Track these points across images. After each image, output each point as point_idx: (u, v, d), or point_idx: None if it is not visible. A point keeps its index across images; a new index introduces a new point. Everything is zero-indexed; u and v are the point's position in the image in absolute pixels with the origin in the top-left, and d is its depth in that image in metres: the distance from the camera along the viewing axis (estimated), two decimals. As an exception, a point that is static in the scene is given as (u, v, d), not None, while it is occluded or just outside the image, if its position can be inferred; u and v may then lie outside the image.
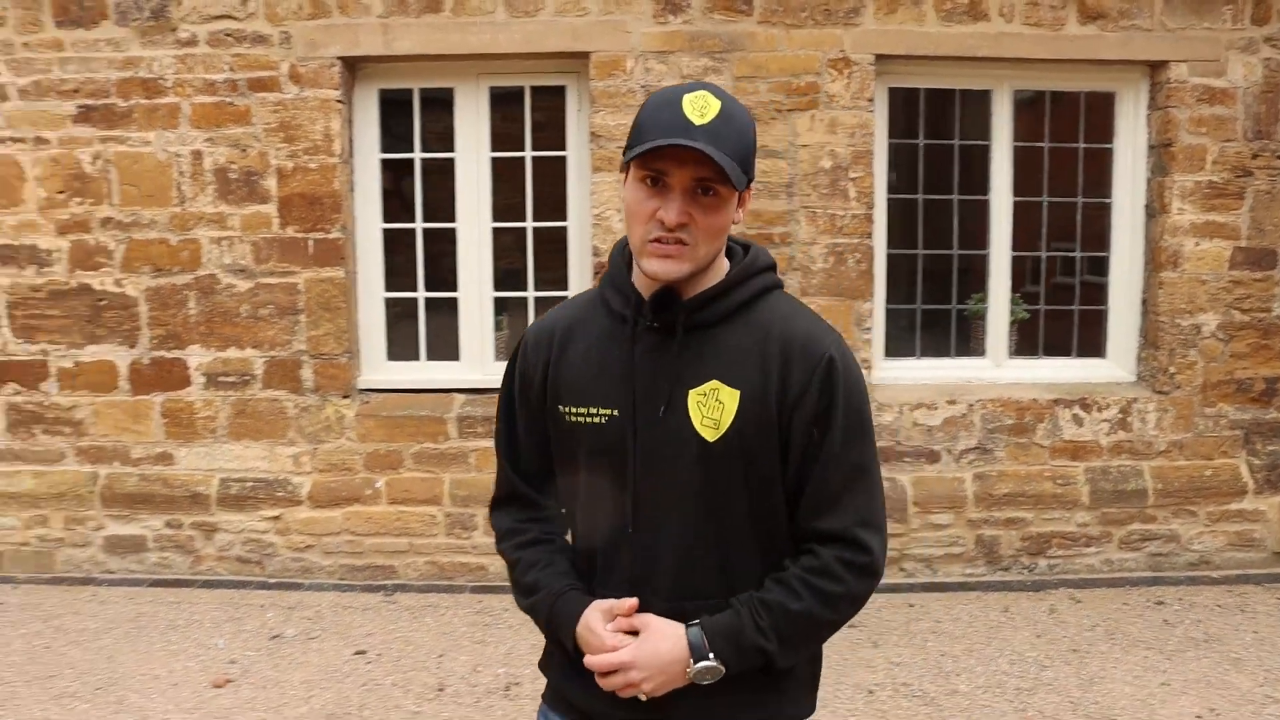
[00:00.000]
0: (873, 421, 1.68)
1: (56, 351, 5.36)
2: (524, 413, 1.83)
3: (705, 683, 1.59)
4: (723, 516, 1.65)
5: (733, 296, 1.66)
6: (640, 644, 1.60)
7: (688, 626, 1.60)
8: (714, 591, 1.65)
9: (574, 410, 1.71)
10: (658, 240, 1.58)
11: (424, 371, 5.48)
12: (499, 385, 1.87)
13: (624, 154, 1.61)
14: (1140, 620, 4.85)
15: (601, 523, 1.72)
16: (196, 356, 5.30)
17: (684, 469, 1.63)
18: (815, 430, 1.61)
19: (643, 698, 1.61)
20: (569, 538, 1.85)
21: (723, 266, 1.70)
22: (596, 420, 1.69)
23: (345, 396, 5.29)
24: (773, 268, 1.75)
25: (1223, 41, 5.22)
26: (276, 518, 5.33)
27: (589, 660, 1.62)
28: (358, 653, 4.53)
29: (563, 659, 1.76)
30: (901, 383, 5.43)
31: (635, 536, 1.67)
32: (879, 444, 4.82)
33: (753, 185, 1.63)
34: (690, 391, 1.63)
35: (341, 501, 5.30)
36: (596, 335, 1.74)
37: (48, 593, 5.25)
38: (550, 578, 1.76)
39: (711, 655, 1.57)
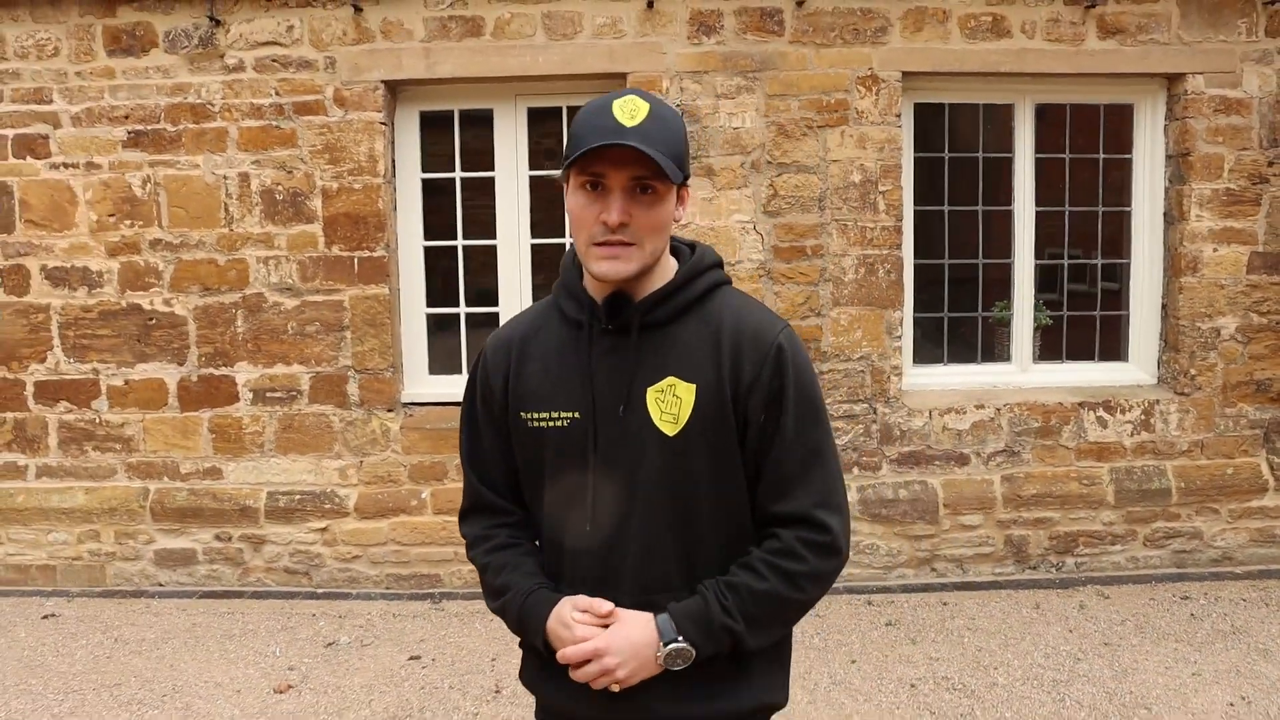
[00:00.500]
0: (825, 406, 1.76)
1: (107, 370, 5.56)
2: (487, 423, 1.88)
3: (677, 667, 1.65)
4: (685, 509, 1.71)
5: (683, 294, 1.74)
6: (611, 631, 1.65)
7: (655, 613, 1.67)
8: (679, 584, 1.71)
9: (536, 416, 1.77)
10: (603, 243, 1.65)
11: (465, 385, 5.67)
12: None
13: (563, 165, 1.69)
14: (1168, 615, 5.05)
15: (566, 523, 1.77)
16: (244, 373, 5.50)
17: (646, 465, 1.70)
18: (767, 416, 1.69)
19: (615, 688, 1.66)
20: (537, 541, 1.90)
21: (670, 266, 1.78)
22: (559, 424, 1.75)
23: (389, 410, 5.49)
24: (719, 265, 1.82)
25: (1238, 53, 5.44)
26: (324, 529, 5.52)
27: (563, 653, 1.67)
28: (412, 658, 4.72)
29: (541, 668, 1.81)
30: (930, 388, 5.64)
31: (595, 534, 1.73)
32: (909, 449, 5.08)
33: (689, 184, 1.73)
34: (648, 389, 1.70)
35: (387, 512, 5.50)
36: (554, 342, 1.80)
37: (101, 605, 5.44)
38: (520, 578, 1.81)
39: (680, 638, 1.64)
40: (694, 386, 1.68)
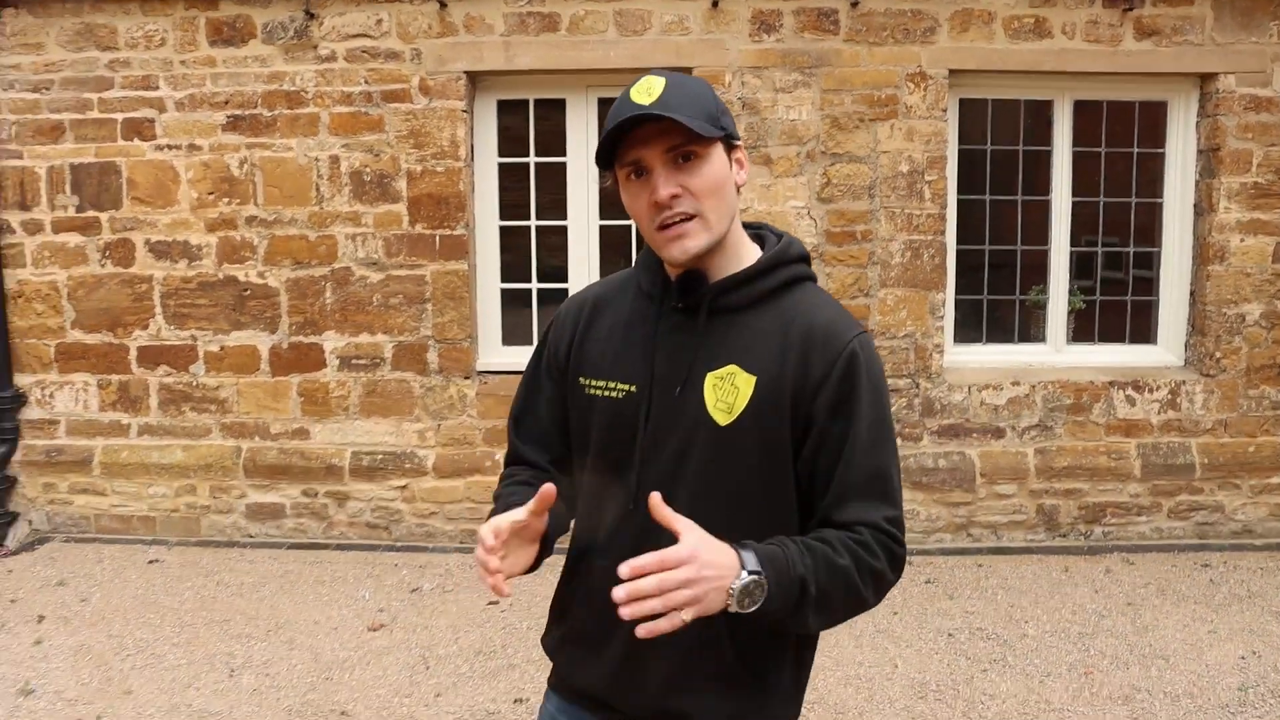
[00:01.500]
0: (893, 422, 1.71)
1: (204, 337, 6.11)
2: (548, 383, 1.87)
3: (742, 608, 1.46)
4: (730, 501, 1.65)
5: (760, 284, 1.70)
6: (700, 538, 1.46)
7: (731, 543, 1.50)
8: None
9: (593, 383, 1.76)
10: (663, 225, 1.62)
11: (534, 355, 6.21)
12: None
13: (603, 167, 1.68)
14: (1188, 580, 5.52)
15: (607, 498, 1.74)
16: (331, 341, 6.04)
17: (694, 451, 1.66)
18: (833, 421, 1.62)
19: (686, 616, 1.41)
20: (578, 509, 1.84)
21: (751, 252, 1.74)
22: (613, 395, 1.73)
23: (466, 377, 6.02)
24: (805, 259, 1.77)
25: (1268, 54, 5.85)
26: (403, 487, 6.07)
27: (639, 561, 1.40)
28: (491, 603, 5.25)
29: (570, 632, 1.80)
30: (970, 366, 6.11)
31: (637, 513, 1.64)
32: (948, 422, 5.56)
33: (742, 144, 1.69)
34: (708, 373, 1.66)
35: (463, 472, 6.03)
36: (625, 312, 1.78)
37: (199, 553, 6.01)
38: (515, 499, 1.71)
39: (761, 572, 1.47)
40: (754, 379, 1.64)
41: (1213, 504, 6.06)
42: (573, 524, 1.86)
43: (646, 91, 1.59)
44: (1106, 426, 6.02)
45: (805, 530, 1.66)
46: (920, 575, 5.56)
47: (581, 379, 1.78)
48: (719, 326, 1.68)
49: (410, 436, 6.05)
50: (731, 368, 1.65)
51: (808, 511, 1.68)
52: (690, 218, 1.61)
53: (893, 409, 5.54)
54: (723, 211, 1.64)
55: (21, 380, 6.21)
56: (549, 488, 1.55)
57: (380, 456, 6.07)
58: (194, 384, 6.14)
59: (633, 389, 1.71)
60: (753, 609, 1.47)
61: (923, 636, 4.80)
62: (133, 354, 6.15)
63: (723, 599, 1.45)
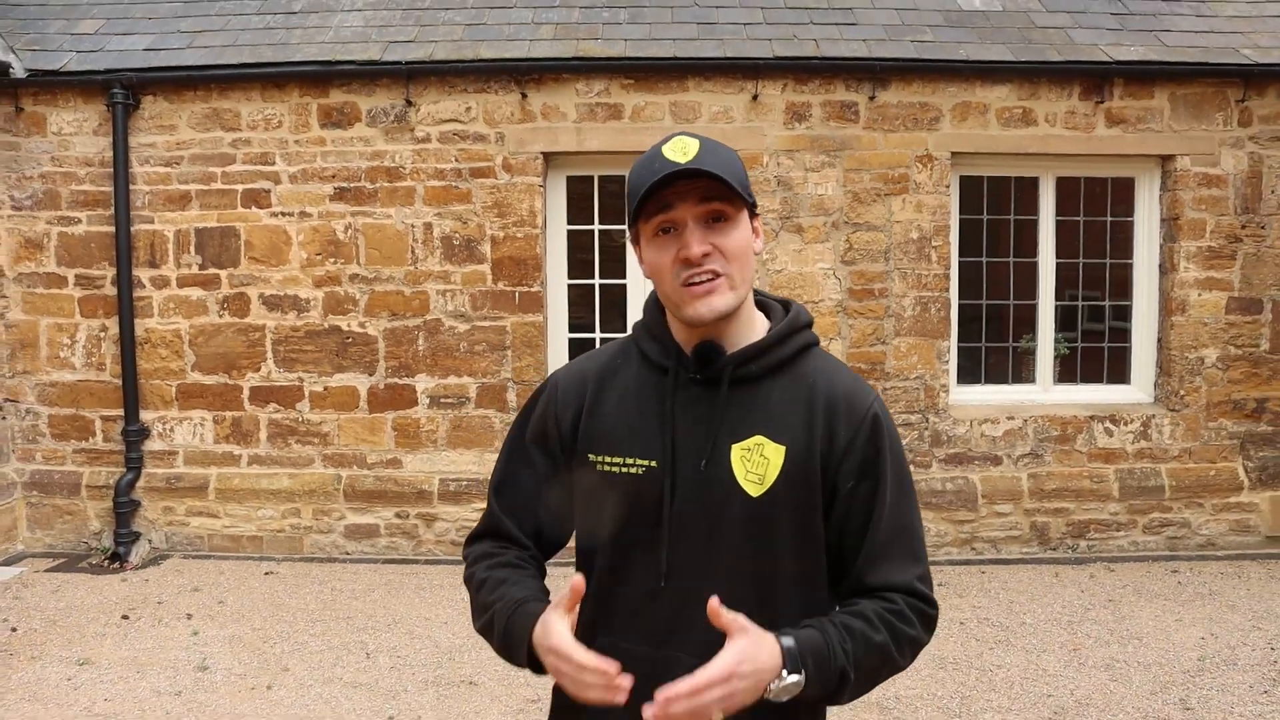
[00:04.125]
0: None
1: (310, 378, 7.25)
2: (539, 456, 1.84)
3: (777, 700, 1.54)
4: (764, 573, 1.69)
5: (777, 352, 1.74)
6: (740, 648, 1.50)
7: (777, 636, 1.56)
8: None
9: (608, 460, 1.74)
10: (691, 283, 1.64)
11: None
12: None
13: (628, 219, 1.71)
14: (1160, 583, 6.71)
15: (630, 575, 1.73)
16: (423, 383, 7.19)
17: (726, 523, 1.68)
18: (860, 484, 1.70)
19: (717, 717, 1.48)
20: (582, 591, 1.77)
21: (758, 319, 1.79)
22: (633, 471, 1.72)
23: (539, 413, 7.17)
24: (810, 325, 1.82)
25: (1216, 139, 7.17)
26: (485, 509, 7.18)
27: (697, 680, 1.47)
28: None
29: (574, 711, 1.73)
30: (971, 403, 7.34)
31: (669, 590, 1.69)
32: (954, 451, 6.83)
33: (760, 215, 1.78)
34: (733, 445, 1.69)
35: (536, 495, 7.17)
36: (633, 386, 1.78)
37: (306, 567, 7.10)
38: (516, 590, 1.74)
39: (802, 670, 1.53)
40: (783, 448, 1.68)
41: (1180, 520, 7.27)
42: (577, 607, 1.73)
43: (682, 151, 1.63)
44: (1089, 454, 7.24)
45: (835, 589, 1.75)
46: (933, 580, 6.72)
47: (592, 455, 1.76)
48: (739, 397, 1.71)
49: (491, 465, 7.19)
50: (758, 438, 1.69)
51: (836, 573, 1.76)
52: (718, 276, 1.64)
53: (905, 441, 6.75)
54: (746, 275, 1.69)
55: (146, 416, 7.32)
56: (579, 581, 1.59)
57: (465, 482, 7.20)
58: (300, 420, 7.27)
59: (653, 464, 1.71)
60: (787, 699, 1.55)
61: (940, 624, 5.94)
62: (245, 393, 7.28)
63: (757, 695, 1.52)
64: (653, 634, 1.70)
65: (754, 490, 1.67)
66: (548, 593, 1.79)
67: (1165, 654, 5.49)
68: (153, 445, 7.34)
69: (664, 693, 1.47)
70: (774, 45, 6.99)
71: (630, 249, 1.74)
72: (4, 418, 7.36)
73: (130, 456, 7.27)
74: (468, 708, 4.90)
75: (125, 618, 6.09)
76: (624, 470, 1.73)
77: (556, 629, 1.57)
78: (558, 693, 1.83)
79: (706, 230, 1.64)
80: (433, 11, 7.40)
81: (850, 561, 1.73)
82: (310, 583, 6.78)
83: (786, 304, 1.86)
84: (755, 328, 1.77)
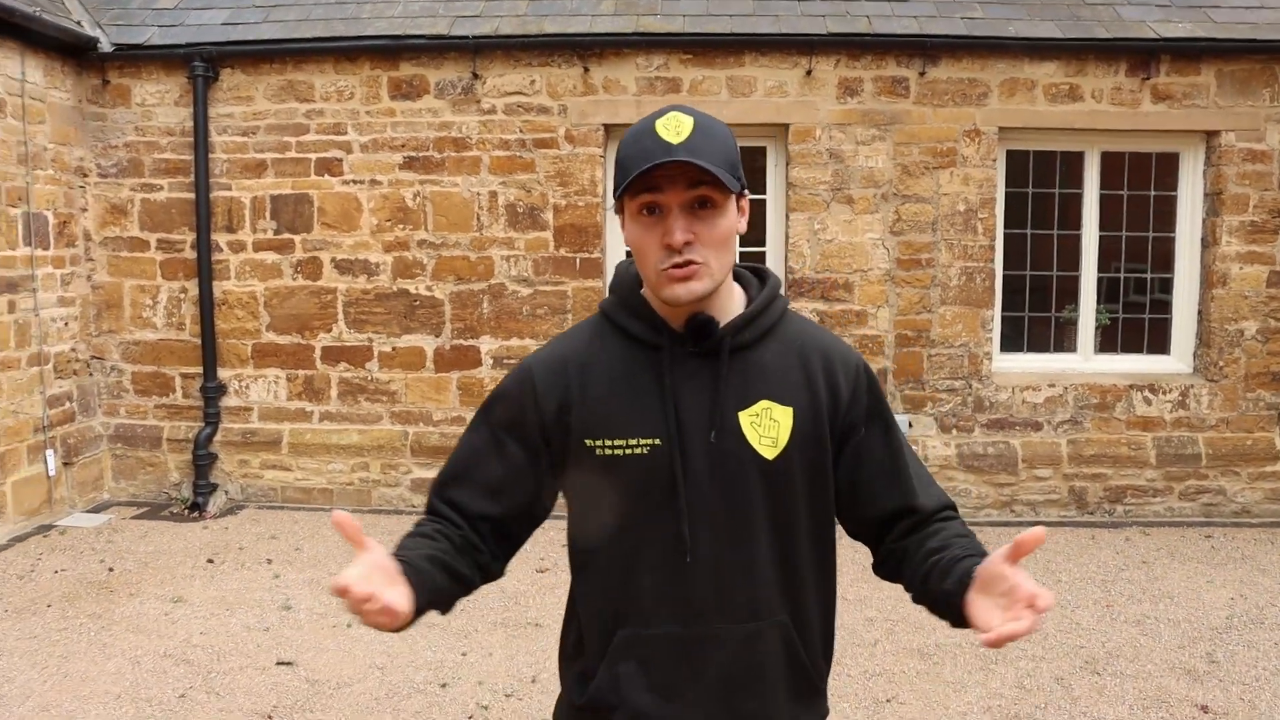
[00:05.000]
0: None
1: (379, 339, 7.68)
2: (514, 446, 1.80)
3: None
4: (785, 531, 1.75)
5: (766, 318, 1.79)
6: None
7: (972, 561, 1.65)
8: (780, 608, 1.76)
9: (608, 444, 1.73)
10: (672, 266, 1.65)
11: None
12: None
13: (615, 193, 1.69)
14: (1193, 547, 7.01)
15: (650, 556, 1.73)
16: (486, 344, 7.59)
17: (747, 489, 1.72)
18: (875, 427, 1.82)
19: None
20: (585, 583, 1.83)
21: (738, 291, 1.82)
22: (638, 451, 1.71)
23: (596, 375, 7.57)
24: (779, 286, 1.87)
25: (1262, 115, 7.38)
26: (543, 465, 7.61)
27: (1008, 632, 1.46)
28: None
29: (632, 717, 1.75)
30: (1013, 371, 7.64)
31: (695, 565, 1.71)
32: (996, 417, 7.25)
33: (747, 193, 1.75)
34: (740, 413, 1.72)
35: (593, 453, 7.58)
36: (619, 366, 1.76)
37: (374, 518, 7.55)
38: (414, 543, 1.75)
39: None
40: (790, 409, 1.74)
41: (1216, 488, 7.55)
42: (583, 603, 1.83)
43: (675, 130, 1.63)
44: (1127, 422, 7.52)
45: (886, 520, 1.83)
46: (973, 539, 7.06)
47: (590, 441, 1.74)
48: (738, 365, 1.74)
49: (549, 423, 7.58)
50: (765, 403, 1.73)
51: (856, 513, 1.86)
52: (697, 264, 1.65)
53: (949, 406, 7.06)
54: (726, 261, 1.71)
55: (223, 374, 7.79)
56: (339, 516, 1.53)
57: (524, 439, 7.60)
58: (369, 378, 7.71)
59: (657, 442, 1.71)
60: None
61: (978, 580, 6.30)
62: (317, 353, 7.72)
63: None
64: (683, 613, 1.72)
65: (769, 454, 1.72)
66: (445, 566, 1.75)
67: (1194, 612, 5.81)
68: (229, 401, 7.81)
69: (1005, 632, 1.47)
70: (828, 22, 7.27)
71: (618, 218, 1.78)
72: (91, 374, 7.85)
73: (208, 412, 7.74)
74: (534, 646, 5.32)
75: (210, 561, 6.57)
76: (628, 452, 1.72)
77: (346, 572, 1.52)
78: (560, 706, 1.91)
79: (691, 217, 1.65)
80: (497, -13, 7.74)
81: (887, 498, 1.82)
82: (379, 533, 7.20)
83: (759, 271, 1.90)
84: (735, 299, 1.80)
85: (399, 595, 1.57)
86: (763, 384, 1.74)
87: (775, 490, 1.73)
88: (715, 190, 1.64)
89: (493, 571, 1.86)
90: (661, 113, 1.67)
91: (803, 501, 1.76)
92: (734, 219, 1.71)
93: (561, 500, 1.90)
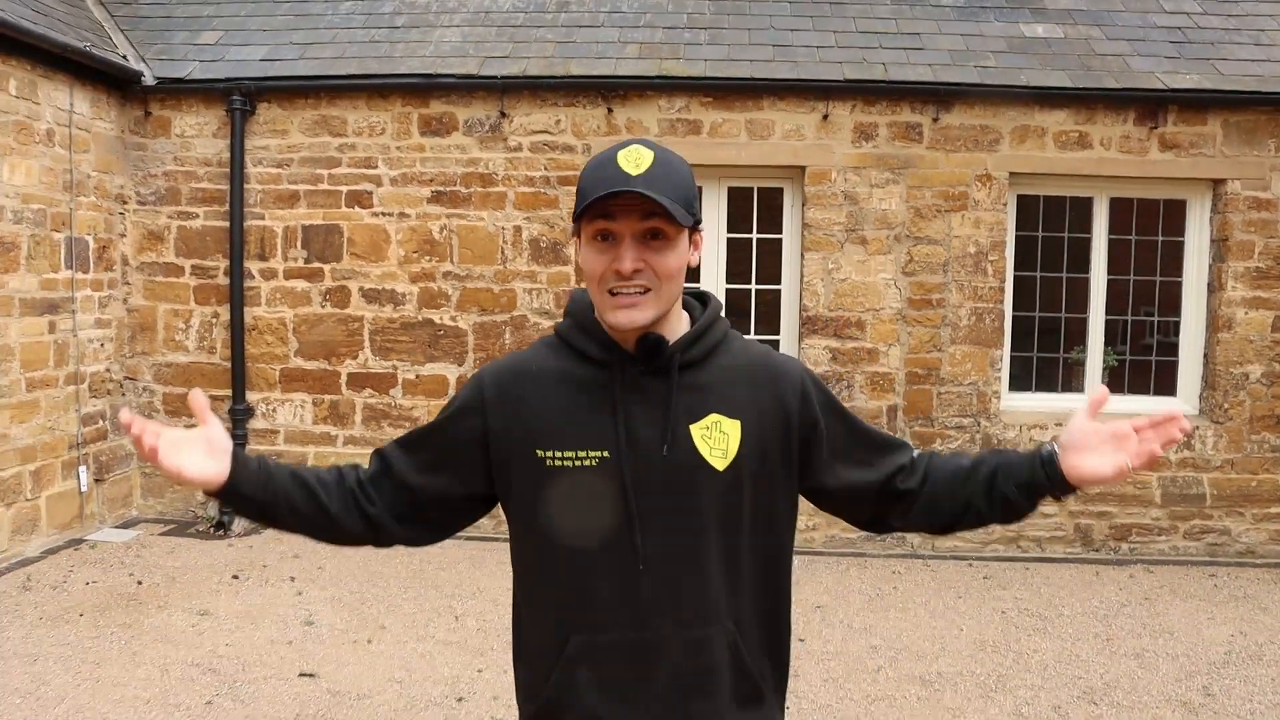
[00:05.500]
0: None
1: (404, 367, 7.93)
2: (452, 441, 1.91)
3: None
4: (731, 539, 1.83)
5: (710, 336, 1.87)
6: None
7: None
8: (726, 615, 1.83)
9: (558, 454, 1.79)
10: (617, 292, 1.73)
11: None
12: None
13: (573, 219, 1.77)
14: (1196, 585, 7.16)
15: (592, 564, 1.80)
16: (507, 373, 7.82)
17: (697, 500, 1.79)
18: (831, 419, 1.92)
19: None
20: (534, 590, 1.91)
21: (684, 316, 1.89)
22: (586, 463, 1.78)
23: (613, 405, 7.79)
24: (720, 309, 1.96)
25: (1267, 164, 7.59)
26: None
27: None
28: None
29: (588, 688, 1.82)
30: (1022, 410, 7.83)
31: (649, 572, 1.78)
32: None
33: (702, 229, 1.83)
34: (691, 426, 1.80)
35: (608, 481, 7.79)
36: (570, 381, 1.84)
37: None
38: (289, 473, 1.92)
39: None
40: (739, 422, 1.82)
41: (1221, 528, 7.70)
42: (534, 609, 1.92)
43: (635, 162, 1.70)
44: (1133, 462, 7.67)
45: (884, 495, 1.98)
46: (979, 573, 7.24)
47: (540, 451, 1.81)
48: (686, 382, 1.82)
49: (567, 451, 7.81)
50: (714, 417, 1.81)
51: (862, 504, 2.00)
52: (646, 291, 1.74)
53: (956, 443, 7.24)
54: (674, 293, 1.79)
55: (251, 397, 8.05)
56: (193, 394, 1.83)
57: (542, 467, 7.82)
58: (393, 404, 7.96)
59: (606, 454, 1.78)
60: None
61: (982, 612, 6.48)
62: (343, 379, 7.98)
63: None
64: (635, 619, 1.79)
65: (720, 464, 1.79)
66: (306, 487, 1.91)
67: (1194, 647, 5.95)
68: (256, 424, 8.07)
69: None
70: (845, 68, 7.54)
71: (573, 241, 1.76)
72: (124, 394, 8.13)
73: (236, 434, 7.99)
74: (549, 665, 5.51)
75: (235, 577, 6.80)
76: (576, 463, 1.78)
77: (167, 431, 1.78)
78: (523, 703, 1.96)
79: (642, 247, 1.72)
80: (526, 29, 8.04)
81: (879, 465, 1.96)
82: (400, 555, 7.44)
83: (701, 296, 1.96)
84: (683, 322, 1.87)
85: (196, 464, 1.77)
86: (712, 399, 1.82)
87: (725, 500, 1.80)
88: (667, 223, 1.71)
89: (384, 529, 1.96)
90: (625, 144, 1.75)
91: (748, 511, 1.83)
92: (685, 252, 1.78)
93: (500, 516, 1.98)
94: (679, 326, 1.85)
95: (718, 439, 1.80)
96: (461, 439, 1.90)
